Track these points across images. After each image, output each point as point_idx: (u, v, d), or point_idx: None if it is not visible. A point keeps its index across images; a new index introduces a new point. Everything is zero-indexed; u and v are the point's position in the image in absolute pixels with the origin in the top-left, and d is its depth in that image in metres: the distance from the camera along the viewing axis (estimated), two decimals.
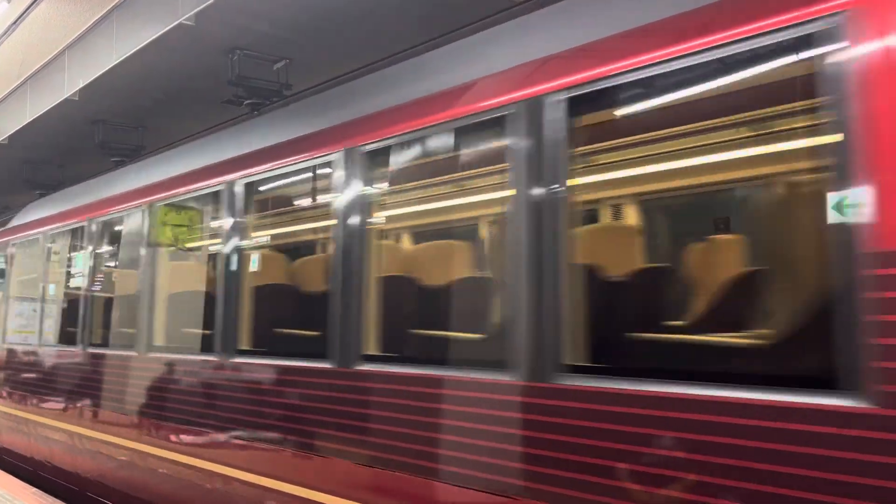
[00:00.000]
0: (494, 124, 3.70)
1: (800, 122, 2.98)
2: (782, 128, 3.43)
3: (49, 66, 14.31)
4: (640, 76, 3.05)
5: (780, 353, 2.88)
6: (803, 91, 2.66)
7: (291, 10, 9.49)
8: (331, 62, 10.94)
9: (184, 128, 14.33)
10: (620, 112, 3.49)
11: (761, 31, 2.64)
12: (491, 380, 3.48)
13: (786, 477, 2.41)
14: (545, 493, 3.16)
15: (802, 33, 2.54)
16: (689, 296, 3.66)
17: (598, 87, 3.22)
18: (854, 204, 2.42)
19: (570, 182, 3.36)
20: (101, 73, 11.91)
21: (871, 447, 2.26)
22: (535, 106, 3.40)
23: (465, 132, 3.97)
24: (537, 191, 3.41)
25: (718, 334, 3.22)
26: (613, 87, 3.19)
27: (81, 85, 12.55)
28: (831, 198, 2.50)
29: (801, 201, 3.10)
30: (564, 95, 3.35)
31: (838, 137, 2.45)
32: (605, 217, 4.65)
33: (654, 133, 3.85)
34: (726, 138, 3.84)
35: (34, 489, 8.21)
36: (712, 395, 2.61)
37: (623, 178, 4.42)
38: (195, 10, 9.55)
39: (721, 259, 3.65)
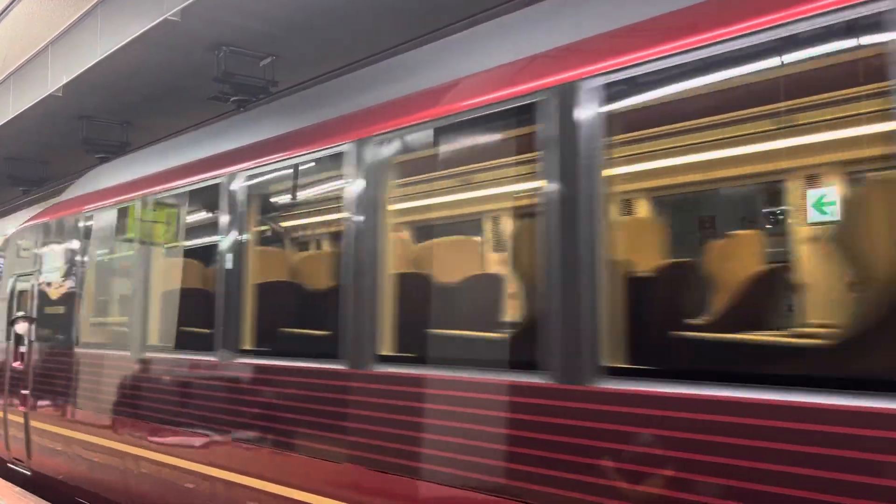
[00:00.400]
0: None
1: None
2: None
3: (32, 61, 14.20)
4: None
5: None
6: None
7: (278, 6, 9.45)
8: (318, 59, 10.91)
9: (170, 124, 14.26)
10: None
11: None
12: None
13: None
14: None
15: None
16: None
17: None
18: (832, 202, 2.58)
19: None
20: (85, 68, 11.82)
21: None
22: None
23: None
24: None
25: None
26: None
27: (65, 80, 12.46)
28: (811, 195, 2.61)
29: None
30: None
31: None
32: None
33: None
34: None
35: (17, 488, 8.12)
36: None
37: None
38: (180, 6, 9.50)
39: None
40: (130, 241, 6.64)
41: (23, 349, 8.42)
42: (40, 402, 7.98)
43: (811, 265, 3.29)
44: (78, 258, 7.45)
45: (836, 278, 3.00)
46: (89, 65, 11.68)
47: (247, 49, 10.76)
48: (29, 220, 9.08)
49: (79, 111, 13.95)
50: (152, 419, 5.99)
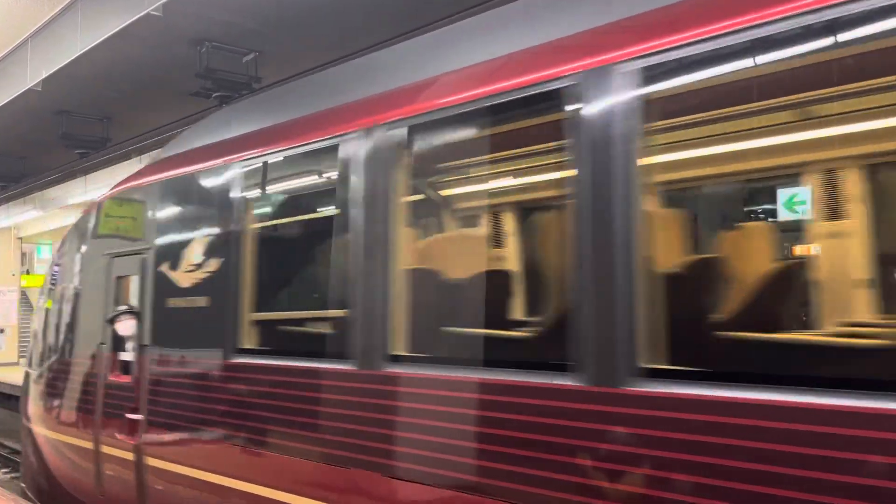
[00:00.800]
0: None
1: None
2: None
3: (11, 55, 14.02)
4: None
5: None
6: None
7: (261, 1, 9.40)
8: (301, 55, 10.86)
9: (151, 120, 14.15)
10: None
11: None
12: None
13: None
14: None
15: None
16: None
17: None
18: (802, 201, 2.73)
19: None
20: (65, 63, 11.70)
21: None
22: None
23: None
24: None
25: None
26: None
27: (45, 75, 12.32)
28: (781, 194, 2.73)
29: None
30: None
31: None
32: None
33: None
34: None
35: (0, 488, 7.98)
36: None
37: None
38: (163, 1, 9.42)
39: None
40: (345, 197, 4.19)
41: (127, 357, 5.90)
42: (164, 433, 5.41)
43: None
44: (228, 227, 5.01)
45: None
46: (69, 59, 11.56)
47: (229, 45, 10.68)
48: (125, 182, 6.50)
49: (58, 106, 13.81)
50: (415, 475, 3.66)
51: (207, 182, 5.33)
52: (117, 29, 10.28)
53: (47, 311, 7.41)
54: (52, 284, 7.45)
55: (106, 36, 10.56)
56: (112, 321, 6.02)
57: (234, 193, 5.01)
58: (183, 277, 5.43)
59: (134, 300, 6.01)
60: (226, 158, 5.18)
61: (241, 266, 4.92)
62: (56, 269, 7.46)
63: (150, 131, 14.76)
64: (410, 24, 8.93)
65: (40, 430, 7.21)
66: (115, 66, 11.54)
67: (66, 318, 6.92)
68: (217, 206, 5.16)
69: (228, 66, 10.93)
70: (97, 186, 16.86)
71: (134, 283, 6.07)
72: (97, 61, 11.38)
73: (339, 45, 10.15)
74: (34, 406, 7.37)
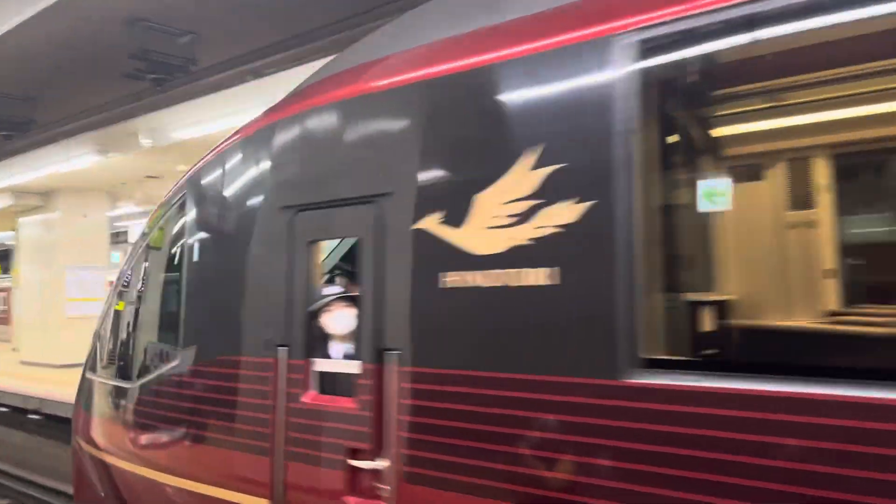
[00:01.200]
0: None
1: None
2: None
3: None
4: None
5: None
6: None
7: None
8: (239, 38, 10.59)
9: (80, 101, 13.62)
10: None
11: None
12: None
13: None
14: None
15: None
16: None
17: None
18: (722, 193, 2.53)
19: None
20: None
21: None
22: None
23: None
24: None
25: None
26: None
27: None
28: (700, 186, 2.64)
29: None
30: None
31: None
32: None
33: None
34: None
35: None
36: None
37: None
38: None
39: None
40: None
41: (337, 367, 3.77)
42: (454, 498, 3.12)
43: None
44: (607, 153, 2.75)
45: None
46: None
47: (164, 25, 10.34)
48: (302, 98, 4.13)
49: None
50: None
51: (552, 75, 3.00)
52: (45, 6, 9.83)
53: (131, 308, 5.54)
54: (125, 286, 5.61)
55: (32, 14, 10.09)
56: (316, 313, 3.86)
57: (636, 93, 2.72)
58: (482, 238, 3.14)
59: (346, 277, 4.15)
60: (606, 28, 2.85)
61: (655, 211, 2.75)
62: (129, 273, 5.57)
63: (79, 113, 14.22)
64: (355, 6, 8.80)
65: (132, 468, 4.98)
66: (41, 44, 11.04)
67: (191, 308, 4.62)
68: (589, 116, 2.84)
69: (163, 47, 10.58)
70: (21, 171, 16.16)
71: (352, 251, 4.08)
72: (22, 39, 10.88)
73: (279, 27, 9.94)
74: (113, 429, 5.22)
